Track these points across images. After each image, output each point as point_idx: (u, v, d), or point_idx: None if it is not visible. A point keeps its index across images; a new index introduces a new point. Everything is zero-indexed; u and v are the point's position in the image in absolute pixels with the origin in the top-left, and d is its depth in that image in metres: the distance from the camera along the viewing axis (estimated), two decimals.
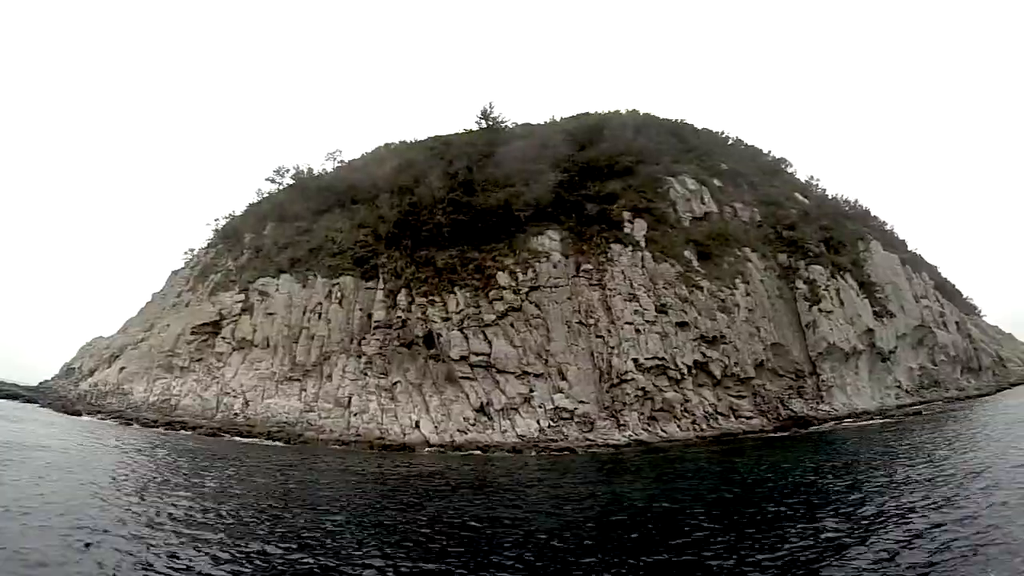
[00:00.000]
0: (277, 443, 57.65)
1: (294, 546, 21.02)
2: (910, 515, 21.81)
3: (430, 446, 57.33)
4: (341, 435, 59.94)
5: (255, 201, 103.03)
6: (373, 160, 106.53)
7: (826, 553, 19.05)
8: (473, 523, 24.68)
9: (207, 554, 19.59)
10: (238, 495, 29.68)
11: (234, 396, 66.19)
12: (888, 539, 19.62)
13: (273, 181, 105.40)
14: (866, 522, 22.15)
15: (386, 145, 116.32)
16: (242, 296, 75.22)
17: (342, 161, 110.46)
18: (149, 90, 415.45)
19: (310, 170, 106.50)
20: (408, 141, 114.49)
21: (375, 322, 68.82)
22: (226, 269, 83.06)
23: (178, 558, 19.05)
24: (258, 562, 19.28)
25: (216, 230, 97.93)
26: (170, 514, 24.32)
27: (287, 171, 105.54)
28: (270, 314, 72.65)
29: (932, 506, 22.95)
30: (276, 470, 40.47)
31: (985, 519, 19.85)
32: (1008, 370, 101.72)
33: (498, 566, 19.06)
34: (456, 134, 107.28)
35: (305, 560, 19.67)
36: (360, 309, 71.56)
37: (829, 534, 20.97)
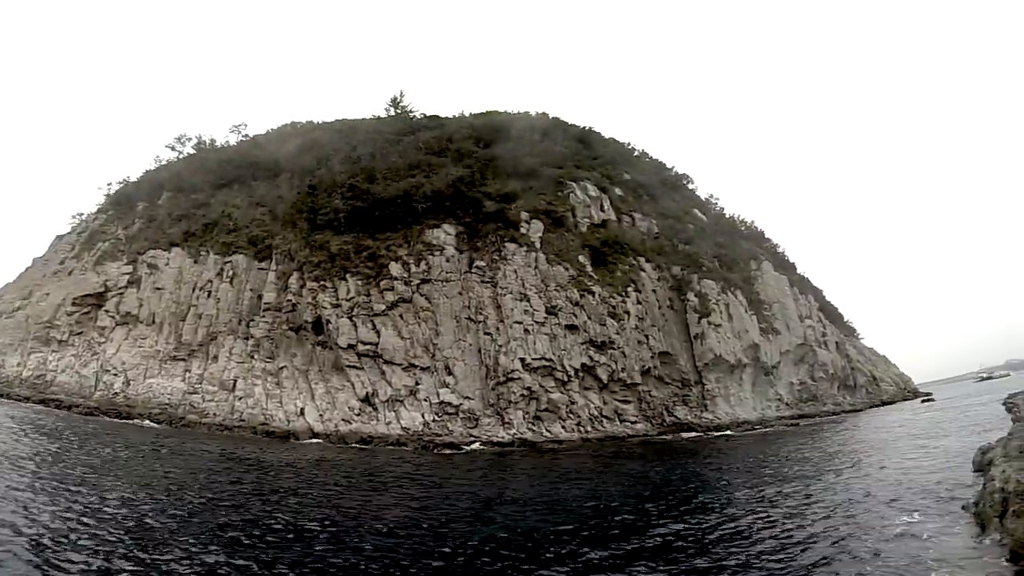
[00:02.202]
0: (158, 425, 55.68)
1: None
2: (769, 523, 22.20)
3: (314, 434, 56.14)
4: (224, 420, 58.26)
5: (152, 168, 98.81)
6: (278, 137, 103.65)
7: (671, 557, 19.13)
8: (312, 524, 23.52)
9: None
10: (90, 481, 27.86)
11: (115, 374, 63.54)
12: (741, 543, 19.92)
13: (173, 149, 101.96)
14: (722, 527, 22.40)
15: (292, 123, 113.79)
16: (130, 268, 72.22)
17: (246, 135, 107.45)
18: (42, 37, 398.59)
19: (212, 141, 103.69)
20: (315, 121, 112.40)
21: (265, 304, 66.93)
22: (115, 238, 78.94)
23: None
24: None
25: (108, 195, 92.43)
26: None
27: (189, 140, 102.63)
28: (158, 289, 69.92)
29: (789, 513, 23.60)
30: (140, 454, 38.79)
31: (833, 528, 20.42)
32: (881, 389, 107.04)
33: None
34: (364, 119, 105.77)
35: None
36: (251, 290, 69.31)
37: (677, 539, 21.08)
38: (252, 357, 63.64)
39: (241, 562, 18.18)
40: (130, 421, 55.94)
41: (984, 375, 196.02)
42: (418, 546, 20.45)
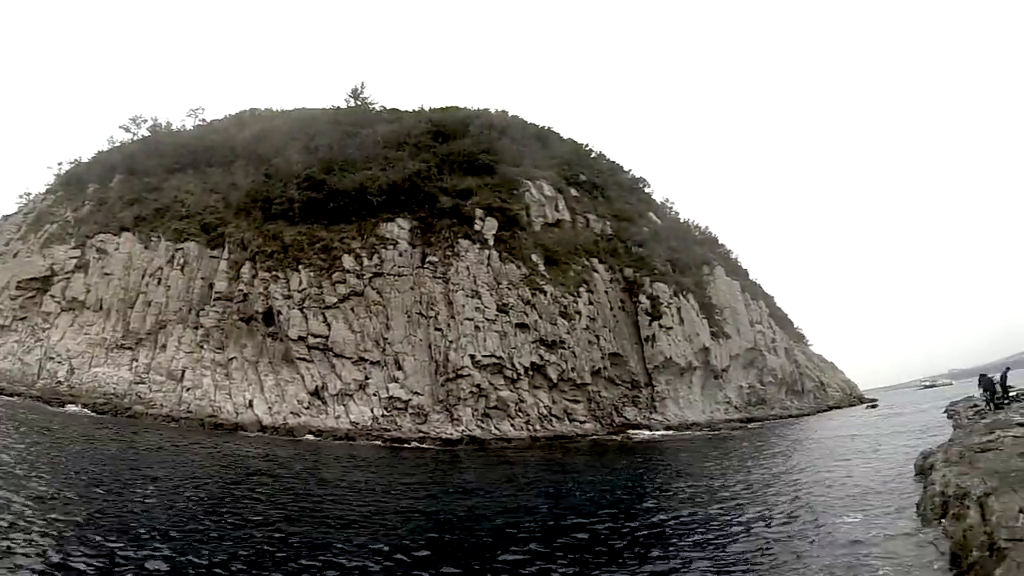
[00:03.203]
0: (103, 415, 54.14)
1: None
2: (712, 524, 22.13)
3: (263, 427, 55.33)
4: (171, 411, 57.13)
5: (105, 149, 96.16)
6: (235, 124, 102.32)
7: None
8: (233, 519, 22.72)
9: None
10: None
11: (59, 362, 62.21)
12: (684, 545, 19.82)
13: (128, 130, 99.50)
14: (662, 527, 22.50)
15: (251, 110, 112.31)
16: (78, 251, 70.63)
17: (204, 120, 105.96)
18: None
19: (168, 124, 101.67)
20: (274, 109, 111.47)
21: (216, 293, 66.19)
22: (64, 220, 76.90)
23: None
24: None
25: (57, 175, 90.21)
26: None
27: (144, 122, 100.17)
28: (107, 274, 68.61)
29: (733, 514, 23.60)
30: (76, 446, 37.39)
31: (776, 529, 20.53)
32: (827, 394, 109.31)
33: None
34: (323, 109, 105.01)
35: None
36: (202, 278, 68.52)
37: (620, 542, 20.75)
38: (201, 347, 62.76)
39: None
40: (74, 411, 54.47)
41: (927, 384, 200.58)
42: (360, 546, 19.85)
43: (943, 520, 15.82)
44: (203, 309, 65.34)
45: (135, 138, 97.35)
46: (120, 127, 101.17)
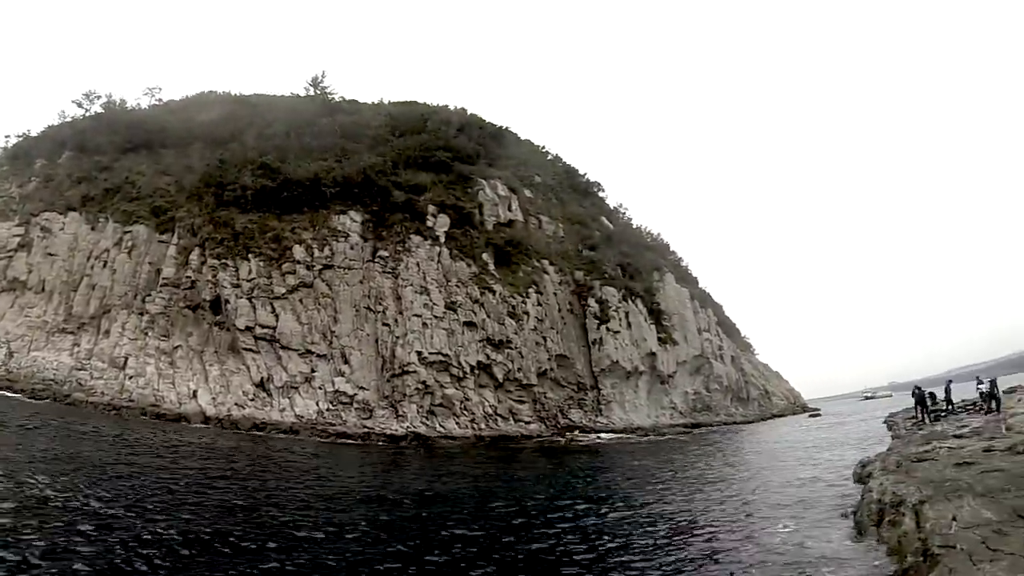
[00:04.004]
0: (40, 402, 53.13)
1: None
2: (651, 528, 22.37)
3: (207, 418, 54.68)
4: (113, 399, 55.96)
5: (55, 124, 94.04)
6: (192, 105, 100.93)
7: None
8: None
9: None
10: None
11: None
12: (621, 550, 19.84)
13: (80, 106, 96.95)
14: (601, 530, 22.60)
15: (209, 92, 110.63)
16: (21, 229, 69.27)
17: (160, 100, 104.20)
18: None
19: (123, 102, 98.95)
20: (233, 93, 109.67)
21: (163, 279, 64.82)
22: (8, 196, 75.37)
23: None
24: None
25: (4, 148, 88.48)
26: None
27: (98, 98, 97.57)
28: (50, 255, 67.45)
29: (673, 519, 23.79)
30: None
31: (715, 534, 20.76)
32: (772, 402, 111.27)
33: None
34: (282, 96, 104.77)
35: None
36: (149, 263, 67.18)
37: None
38: (146, 334, 61.57)
39: None
40: (10, 396, 53.43)
41: (868, 394, 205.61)
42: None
43: (879, 527, 16.30)
44: (149, 295, 64.07)
45: (87, 114, 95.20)
46: (72, 102, 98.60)
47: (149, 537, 18.43)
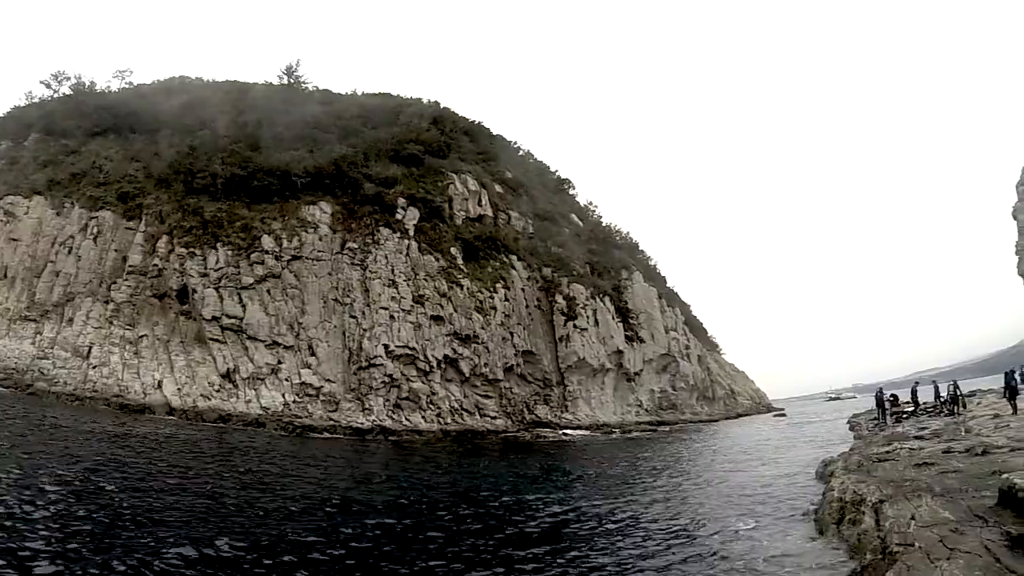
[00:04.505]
0: (3, 391, 52.41)
1: None
2: (613, 524, 22.37)
3: (171, 410, 54.46)
4: (76, 389, 55.64)
5: (22, 104, 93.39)
6: (164, 90, 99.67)
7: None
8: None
9: None
10: None
11: None
12: (581, 544, 19.91)
13: (48, 87, 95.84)
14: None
15: (181, 78, 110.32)
16: None
17: (130, 83, 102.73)
18: None
19: (92, 84, 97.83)
20: (205, 79, 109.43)
21: (130, 267, 64.29)
22: None
23: None
24: None
25: None
26: None
27: (67, 79, 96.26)
28: (13, 239, 66.24)
29: (635, 515, 23.89)
30: None
31: (678, 531, 20.79)
32: (738, 402, 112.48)
33: None
34: (255, 84, 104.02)
35: None
36: (116, 250, 66.21)
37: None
38: (111, 323, 61.14)
39: None
40: None
41: (832, 396, 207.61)
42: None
43: (840, 525, 16.52)
44: (115, 283, 63.44)
45: (56, 96, 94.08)
46: (41, 82, 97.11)
47: None
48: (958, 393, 43.49)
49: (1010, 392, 35.60)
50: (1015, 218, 64.89)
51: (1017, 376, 37.87)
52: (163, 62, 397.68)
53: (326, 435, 53.97)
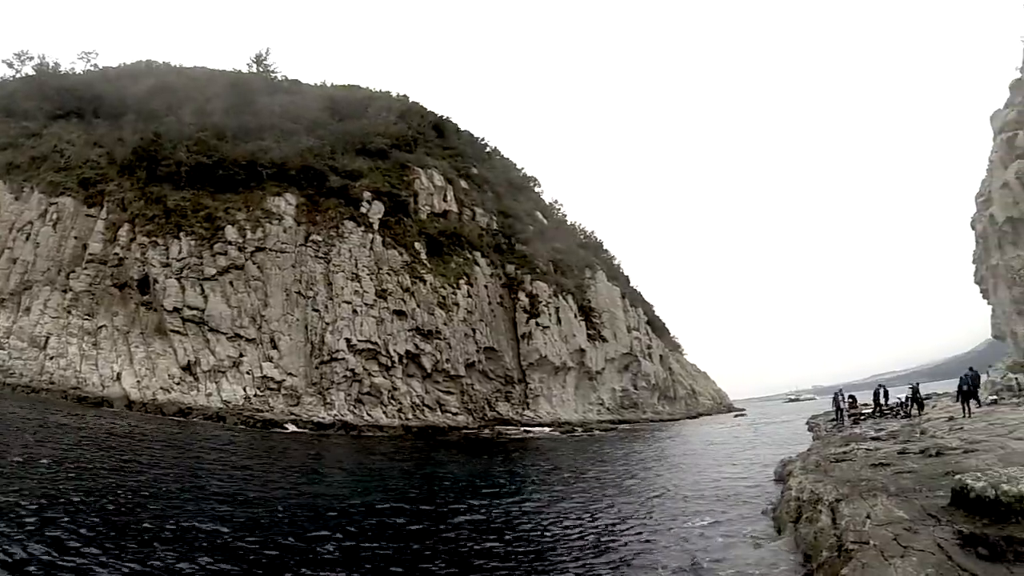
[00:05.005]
0: None
1: None
2: (572, 521, 22.34)
3: (130, 402, 53.72)
4: (32, 381, 54.76)
5: None
6: (129, 74, 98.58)
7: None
8: None
9: None
10: None
11: None
12: (540, 539, 20.13)
13: (11, 66, 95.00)
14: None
15: (148, 62, 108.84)
16: None
17: (95, 66, 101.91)
18: None
19: (56, 66, 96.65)
20: (172, 64, 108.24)
21: (90, 255, 63.29)
22: None
23: None
24: None
25: None
26: None
27: (30, 59, 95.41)
28: None
29: (594, 512, 23.84)
30: None
31: (636, 528, 20.74)
32: (699, 401, 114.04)
33: None
34: (223, 71, 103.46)
35: None
36: (75, 237, 65.21)
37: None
38: (69, 312, 60.05)
39: None
40: None
41: (792, 397, 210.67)
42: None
43: (797, 523, 16.60)
44: (74, 271, 62.44)
45: (17, 76, 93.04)
46: (2, 61, 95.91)
47: None
48: (918, 396, 44.76)
49: (963, 396, 36.62)
50: (973, 228, 66.36)
51: (971, 380, 39.00)
52: (130, 45, 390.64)
53: (289, 429, 53.71)
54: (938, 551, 10.41)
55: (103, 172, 71.26)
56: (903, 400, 46.48)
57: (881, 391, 50.17)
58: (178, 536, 17.95)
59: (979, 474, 12.44)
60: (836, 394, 51.68)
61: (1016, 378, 44.54)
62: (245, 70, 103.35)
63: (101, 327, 60.02)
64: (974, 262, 69.46)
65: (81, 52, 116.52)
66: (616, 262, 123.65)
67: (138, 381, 56.06)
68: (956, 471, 14.96)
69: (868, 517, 12.96)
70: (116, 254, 63.23)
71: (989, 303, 66.62)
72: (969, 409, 35.32)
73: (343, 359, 61.92)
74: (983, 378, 50.30)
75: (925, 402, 47.22)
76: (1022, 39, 58.32)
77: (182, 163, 70.00)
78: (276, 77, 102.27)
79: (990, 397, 42.83)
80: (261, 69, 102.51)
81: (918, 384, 49.35)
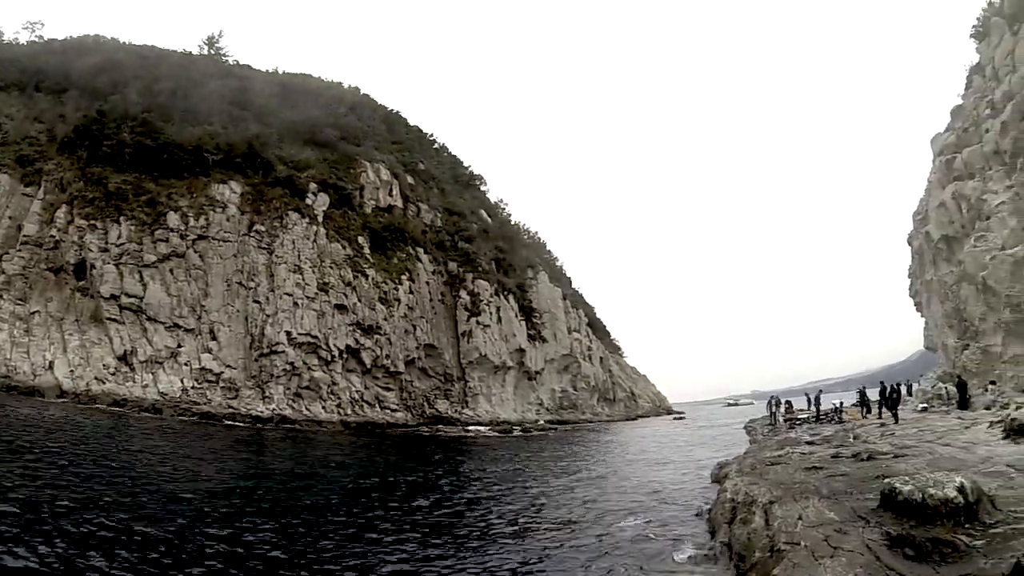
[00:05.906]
0: None
1: None
2: (507, 523, 22.61)
3: (63, 392, 52.86)
4: None
5: None
6: (76, 48, 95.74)
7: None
8: None
9: None
10: None
11: None
12: (472, 540, 20.20)
13: None
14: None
15: (95, 36, 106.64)
16: None
17: (40, 37, 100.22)
18: None
19: None
20: (120, 40, 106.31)
21: (24, 237, 61.88)
22: None
23: None
24: None
25: None
26: None
27: None
28: None
29: (528, 513, 24.32)
30: None
31: (568, 529, 21.16)
32: (638, 404, 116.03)
33: None
34: (173, 51, 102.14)
35: None
36: (10, 218, 63.34)
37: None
38: (0, 297, 58.35)
39: None
40: None
41: (731, 401, 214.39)
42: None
43: (731, 525, 16.82)
44: (7, 253, 60.69)
45: None
46: None
47: None
48: (866, 399, 47.24)
49: (891, 403, 38.36)
50: (910, 244, 68.68)
51: (903, 388, 40.95)
52: (78, 17, 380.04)
53: (226, 423, 53.41)
54: (867, 551, 10.90)
55: (42, 150, 69.56)
56: (836, 406, 48.56)
57: (812, 397, 52.54)
58: (87, 532, 17.11)
59: (907, 478, 13.22)
60: (770, 400, 54.14)
61: (945, 387, 46.70)
62: (196, 52, 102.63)
63: (34, 313, 58.72)
64: (909, 276, 71.94)
65: (27, 22, 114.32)
66: (559, 263, 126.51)
67: (71, 370, 55.10)
68: (886, 475, 15.63)
69: (800, 519, 13.44)
70: (52, 236, 61.92)
71: (923, 316, 69.07)
72: (897, 415, 36.88)
73: (283, 352, 61.99)
74: (914, 387, 53.09)
75: (841, 412, 49.36)
76: (966, 68, 60.48)
77: (125, 144, 68.80)
78: (228, 61, 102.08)
79: (921, 405, 44.99)
80: (213, 52, 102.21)
81: (864, 388, 51.72)
